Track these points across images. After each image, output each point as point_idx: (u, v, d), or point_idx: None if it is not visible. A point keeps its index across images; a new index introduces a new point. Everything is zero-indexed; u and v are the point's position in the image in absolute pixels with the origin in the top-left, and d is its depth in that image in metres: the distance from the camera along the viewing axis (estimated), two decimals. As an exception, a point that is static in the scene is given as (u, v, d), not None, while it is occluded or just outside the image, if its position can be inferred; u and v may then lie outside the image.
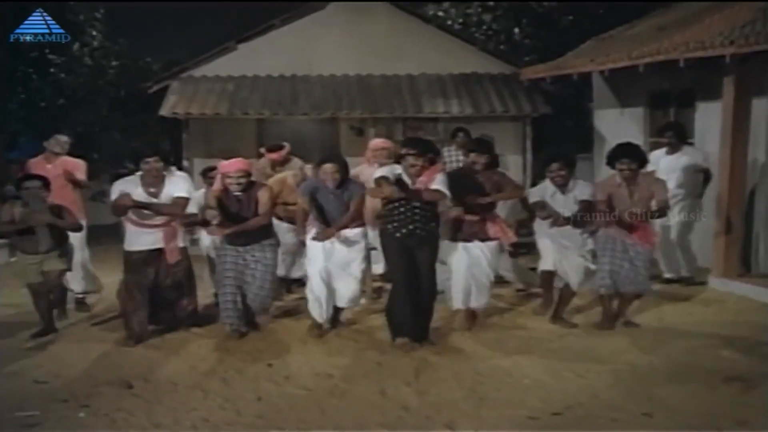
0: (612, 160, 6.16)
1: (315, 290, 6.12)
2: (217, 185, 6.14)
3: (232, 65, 12.25)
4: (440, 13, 15.67)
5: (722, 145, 7.96)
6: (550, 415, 4.47)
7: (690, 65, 8.04)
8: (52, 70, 12.93)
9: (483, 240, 6.20)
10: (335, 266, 6.12)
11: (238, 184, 5.96)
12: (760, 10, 8.03)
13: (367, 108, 11.53)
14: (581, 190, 6.22)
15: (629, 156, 6.06)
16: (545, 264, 6.63)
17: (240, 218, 5.99)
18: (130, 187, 5.95)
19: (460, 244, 6.18)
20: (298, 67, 12.20)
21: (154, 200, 5.97)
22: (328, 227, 6.06)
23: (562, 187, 6.24)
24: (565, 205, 6.20)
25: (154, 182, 5.98)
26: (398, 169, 5.78)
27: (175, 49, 15.20)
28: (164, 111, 11.44)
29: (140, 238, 6.03)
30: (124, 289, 6.12)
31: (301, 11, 12.29)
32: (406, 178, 5.72)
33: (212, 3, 17.85)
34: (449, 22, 15.28)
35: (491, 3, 15.16)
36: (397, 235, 5.77)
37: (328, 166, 6.04)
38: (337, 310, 6.33)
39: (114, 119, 13.12)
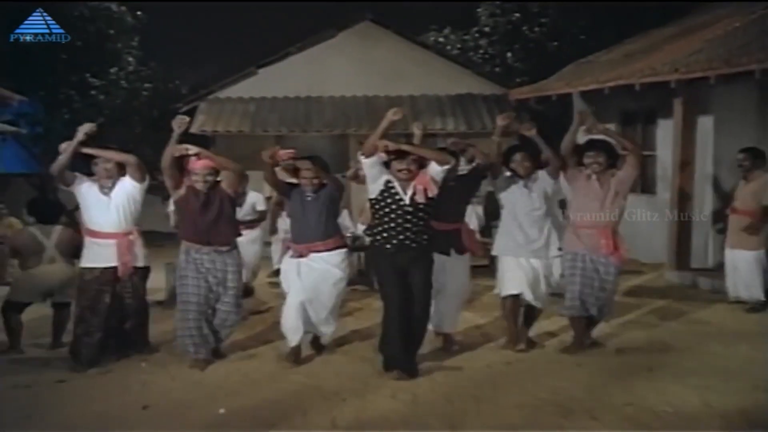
0: (580, 154, 5.88)
1: (288, 315, 5.82)
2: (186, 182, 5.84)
3: (254, 88, 13.77)
4: (440, 39, 17.03)
5: (674, 156, 9.27)
6: (503, 364, 5.78)
7: (648, 88, 9.35)
8: (92, 92, 14.38)
9: (460, 252, 6.02)
10: (311, 290, 5.77)
11: (205, 181, 5.74)
12: (707, 41, 9.37)
13: (374, 126, 12.55)
14: (545, 179, 5.94)
15: (595, 149, 5.80)
16: (509, 287, 5.98)
17: (204, 216, 5.75)
18: (87, 184, 5.88)
19: (443, 260, 5.85)
20: (312, 89, 13.70)
21: (105, 198, 5.84)
22: (301, 238, 5.83)
23: (525, 179, 5.96)
24: (529, 200, 5.95)
25: (106, 183, 5.88)
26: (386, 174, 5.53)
27: (202, 73, 16.64)
28: (194, 129, 12.79)
29: (96, 253, 5.83)
30: (76, 309, 5.92)
31: (314, 39, 13.83)
32: (397, 187, 5.49)
33: (235, 32, 19.23)
34: (448, 48, 16.63)
35: (487, 29, 16.51)
36: (387, 246, 5.40)
37: (305, 170, 5.79)
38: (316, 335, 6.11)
39: (147, 136, 14.15)
